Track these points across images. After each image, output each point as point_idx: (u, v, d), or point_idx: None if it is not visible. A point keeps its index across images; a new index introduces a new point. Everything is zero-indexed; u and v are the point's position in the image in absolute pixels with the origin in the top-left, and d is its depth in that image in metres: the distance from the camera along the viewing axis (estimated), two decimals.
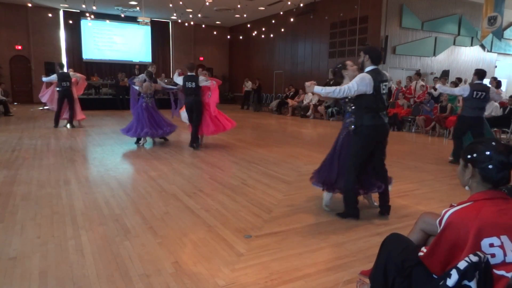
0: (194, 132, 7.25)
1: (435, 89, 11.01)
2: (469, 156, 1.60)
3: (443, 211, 1.58)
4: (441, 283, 1.41)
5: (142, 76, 7.56)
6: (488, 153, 1.54)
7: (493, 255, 1.45)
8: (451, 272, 1.38)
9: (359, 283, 2.29)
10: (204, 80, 7.10)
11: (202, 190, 4.49)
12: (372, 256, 2.22)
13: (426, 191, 4.72)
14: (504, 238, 1.47)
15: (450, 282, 1.37)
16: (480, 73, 6.24)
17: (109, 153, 6.83)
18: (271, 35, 18.13)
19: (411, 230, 2.06)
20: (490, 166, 1.53)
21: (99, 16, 17.90)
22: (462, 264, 1.37)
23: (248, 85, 18.54)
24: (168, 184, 4.76)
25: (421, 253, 1.63)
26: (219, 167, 5.78)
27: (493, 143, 1.56)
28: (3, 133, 8.90)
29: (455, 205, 1.59)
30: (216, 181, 4.95)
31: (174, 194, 4.32)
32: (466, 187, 1.65)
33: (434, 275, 1.59)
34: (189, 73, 7.16)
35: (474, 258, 1.36)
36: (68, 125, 10.26)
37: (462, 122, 6.39)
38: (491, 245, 1.46)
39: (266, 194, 4.39)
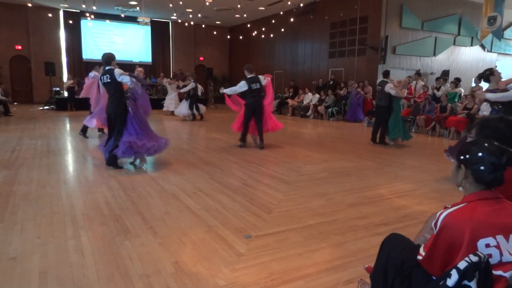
0: (261, 132, 7.43)
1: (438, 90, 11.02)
2: (462, 157, 1.60)
3: (438, 213, 1.58)
4: (441, 283, 1.40)
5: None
6: (480, 154, 1.53)
7: (489, 256, 1.45)
8: (451, 272, 1.38)
9: (360, 283, 2.29)
10: (263, 79, 7.37)
11: (202, 190, 4.49)
12: (372, 256, 2.22)
13: (426, 191, 4.71)
14: (499, 238, 1.48)
15: (450, 282, 1.37)
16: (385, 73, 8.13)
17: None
18: (271, 35, 18.12)
19: (422, 229, 2.05)
20: (482, 168, 1.53)
21: (99, 16, 17.89)
22: (462, 264, 1.36)
23: None
24: (168, 184, 4.76)
25: (419, 257, 1.63)
26: (219, 167, 5.78)
27: (486, 144, 1.55)
28: (3, 133, 8.90)
29: (449, 206, 1.59)
30: (216, 181, 4.95)
31: (174, 194, 4.32)
32: (460, 188, 1.66)
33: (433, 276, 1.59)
34: (250, 75, 7.34)
35: (474, 258, 1.36)
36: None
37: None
38: (487, 245, 1.46)
39: (266, 194, 4.39)
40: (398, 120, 7.90)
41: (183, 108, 12.69)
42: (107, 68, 5.40)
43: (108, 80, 5.32)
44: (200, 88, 12.69)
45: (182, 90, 13.03)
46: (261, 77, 7.38)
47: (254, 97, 7.23)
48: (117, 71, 5.31)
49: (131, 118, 5.43)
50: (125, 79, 5.28)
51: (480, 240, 1.46)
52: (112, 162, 5.48)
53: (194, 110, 12.60)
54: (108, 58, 5.41)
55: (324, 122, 13.39)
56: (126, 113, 5.42)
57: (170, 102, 13.87)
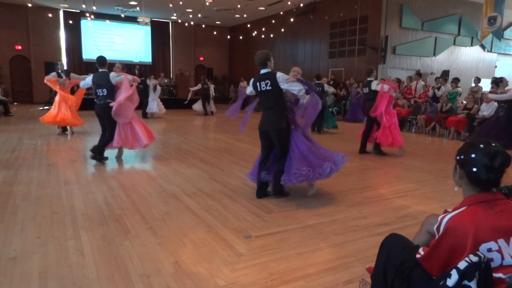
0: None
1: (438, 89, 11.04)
2: (457, 158, 1.60)
3: (440, 217, 1.58)
4: (441, 283, 1.40)
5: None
6: (473, 155, 1.53)
7: (491, 260, 1.45)
8: (451, 272, 1.38)
9: (362, 283, 2.29)
10: (375, 84, 6.69)
11: (202, 190, 4.49)
12: (372, 256, 2.22)
13: (426, 191, 4.71)
14: (501, 241, 1.48)
15: (450, 282, 1.36)
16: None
17: (109, 153, 6.82)
18: (271, 35, 18.12)
19: (417, 233, 2.05)
20: (474, 169, 1.52)
21: (99, 16, 17.89)
22: (462, 264, 1.36)
23: (243, 86, 18.44)
24: (168, 184, 4.76)
25: (418, 255, 1.62)
26: (219, 167, 5.78)
27: (481, 145, 1.53)
28: (3, 133, 8.90)
29: (450, 210, 1.59)
30: (216, 181, 4.95)
31: (174, 194, 4.32)
32: (456, 188, 1.66)
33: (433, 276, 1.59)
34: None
35: (474, 258, 1.36)
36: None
37: None
38: (489, 250, 1.46)
39: None
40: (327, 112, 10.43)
41: (198, 106, 15.17)
42: (264, 71, 4.04)
43: (269, 88, 4.00)
44: (211, 88, 15.16)
45: (192, 89, 15.63)
46: (375, 82, 6.79)
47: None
48: (284, 76, 3.98)
49: (295, 135, 4.21)
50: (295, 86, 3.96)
51: (482, 245, 1.46)
52: (280, 192, 4.23)
53: (207, 107, 14.99)
54: (266, 57, 4.03)
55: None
56: (289, 129, 4.19)
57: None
